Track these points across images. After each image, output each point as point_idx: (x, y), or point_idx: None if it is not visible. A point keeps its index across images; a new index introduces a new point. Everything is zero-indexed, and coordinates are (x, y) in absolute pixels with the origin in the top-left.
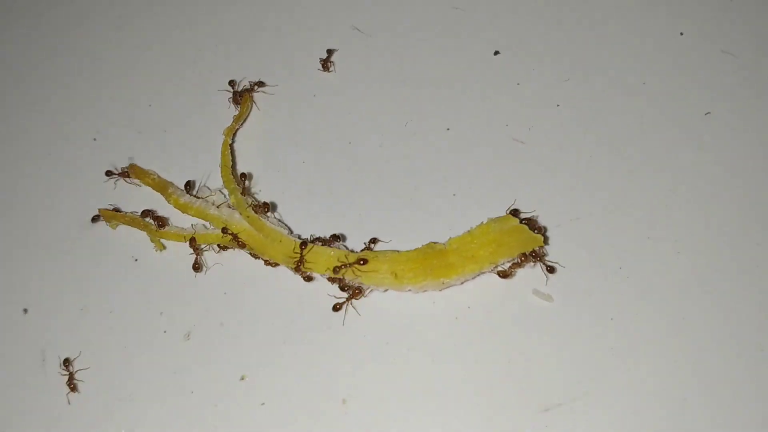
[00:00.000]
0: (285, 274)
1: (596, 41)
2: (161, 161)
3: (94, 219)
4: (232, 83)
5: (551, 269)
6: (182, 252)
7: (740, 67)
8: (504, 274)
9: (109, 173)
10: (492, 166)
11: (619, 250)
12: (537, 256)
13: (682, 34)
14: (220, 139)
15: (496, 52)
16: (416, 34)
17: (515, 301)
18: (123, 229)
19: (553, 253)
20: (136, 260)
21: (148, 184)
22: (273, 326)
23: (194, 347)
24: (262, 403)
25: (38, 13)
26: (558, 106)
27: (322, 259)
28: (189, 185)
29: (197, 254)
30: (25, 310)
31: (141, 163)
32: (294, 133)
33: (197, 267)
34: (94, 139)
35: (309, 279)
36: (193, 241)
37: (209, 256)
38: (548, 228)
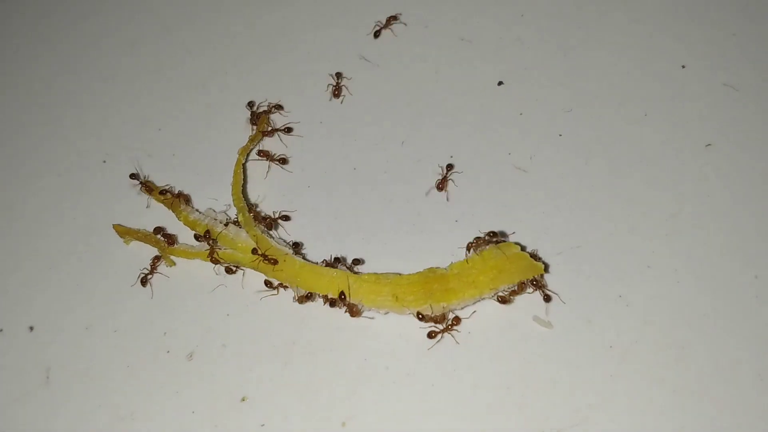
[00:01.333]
0: (283, 297)
1: (599, 73)
2: (170, 184)
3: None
4: (250, 104)
5: (548, 298)
6: (187, 273)
7: (741, 100)
8: (503, 300)
9: (134, 176)
10: (494, 194)
11: (619, 278)
12: (537, 284)
13: (684, 66)
14: (228, 163)
15: (500, 83)
16: (422, 65)
17: (515, 328)
18: (129, 248)
19: (553, 281)
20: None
21: (160, 201)
22: (274, 348)
23: (196, 367)
24: (262, 425)
25: (49, 35)
26: (560, 135)
27: (324, 280)
28: (187, 201)
29: (213, 248)
30: (31, 328)
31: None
32: (300, 158)
33: (215, 260)
34: (104, 162)
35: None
36: (207, 235)
37: (214, 279)
38: (550, 256)
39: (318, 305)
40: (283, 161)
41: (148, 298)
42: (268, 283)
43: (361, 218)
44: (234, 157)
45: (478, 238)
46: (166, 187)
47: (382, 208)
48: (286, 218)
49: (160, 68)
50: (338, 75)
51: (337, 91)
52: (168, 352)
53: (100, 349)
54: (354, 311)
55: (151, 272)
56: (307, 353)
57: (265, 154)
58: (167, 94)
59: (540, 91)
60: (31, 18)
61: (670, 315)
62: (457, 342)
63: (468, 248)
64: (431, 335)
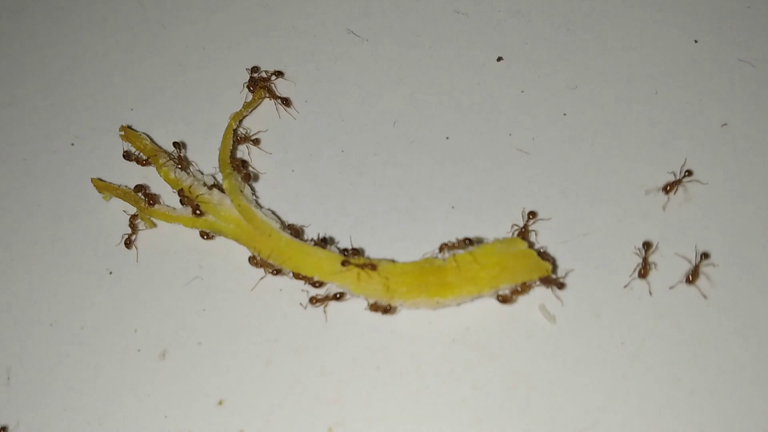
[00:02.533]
0: (268, 290)
1: (606, 48)
2: (144, 168)
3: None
4: (254, 69)
5: (561, 285)
6: (160, 266)
7: (758, 77)
8: (504, 299)
9: (126, 155)
10: (494, 178)
11: (630, 268)
12: (548, 282)
13: (696, 41)
14: (204, 144)
15: (500, 58)
16: (415, 39)
17: (517, 323)
18: (98, 238)
19: (559, 272)
20: (111, 273)
21: (139, 149)
22: (254, 346)
23: (170, 367)
24: (241, 430)
25: (13, 9)
26: (565, 115)
27: (310, 260)
28: (177, 146)
29: (188, 203)
30: None
31: (122, 170)
32: (284, 140)
33: (198, 213)
34: (72, 144)
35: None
36: (181, 192)
37: (190, 270)
38: (554, 244)
39: (302, 299)
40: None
41: (118, 292)
42: (252, 260)
43: (349, 204)
44: (210, 139)
45: (451, 243)
46: (144, 140)
47: (372, 192)
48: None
49: (134, 45)
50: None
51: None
52: (139, 350)
53: (66, 347)
54: (338, 297)
55: (134, 232)
56: (290, 352)
57: (270, 93)
58: (141, 72)
59: (542, 68)
60: None
61: (685, 308)
62: (454, 339)
63: (441, 249)
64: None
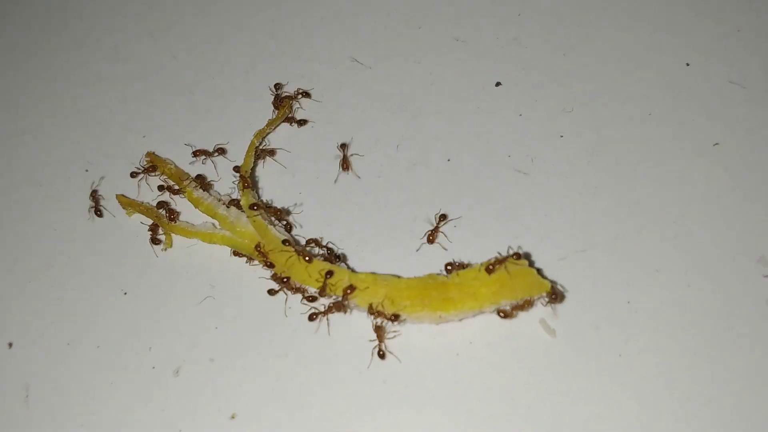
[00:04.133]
0: (278, 307)
1: (601, 72)
2: (154, 193)
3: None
4: (277, 86)
5: (561, 297)
6: (173, 286)
7: (749, 98)
8: (505, 315)
9: (134, 174)
10: (494, 198)
11: (626, 283)
12: (556, 295)
13: (688, 64)
14: (212, 173)
15: (498, 83)
16: (416, 66)
17: (519, 337)
18: (112, 260)
19: (558, 287)
20: (125, 293)
21: (165, 173)
22: (265, 362)
23: (183, 384)
24: None
25: (30, 42)
26: (561, 136)
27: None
28: (200, 178)
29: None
30: (10, 344)
31: (134, 194)
32: (290, 163)
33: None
34: (87, 171)
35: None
36: (258, 247)
37: (202, 290)
38: (553, 261)
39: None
40: (306, 94)
41: (133, 311)
42: (236, 253)
43: (353, 224)
44: (221, 165)
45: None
46: (169, 164)
47: (377, 213)
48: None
49: (145, 74)
50: (343, 146)
51: (345, 164)
52: (153, 367)
53: (82, 365)
54: (340, 306)
55: (155, 234)
56: (299, 367)
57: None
58: (152, 100)
59: (539, 91)
60: (11, 25)
61: (680, 320)
62: (457, 353)
63: (446, 269)
64: (312, 317)
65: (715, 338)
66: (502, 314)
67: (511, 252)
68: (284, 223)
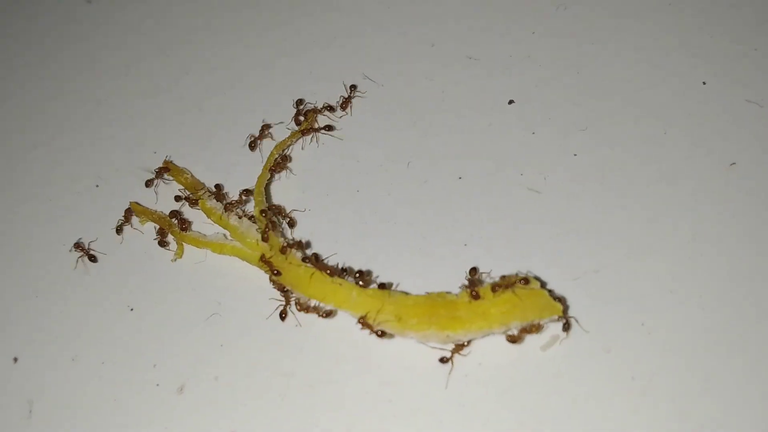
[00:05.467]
0: (284, 326)
1: (615, 90)
2: (165, 208)
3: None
4: (298, 103)
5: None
6: (179, 303)
7: (766, 117)
8: (513, 339)
9: (149, 184)
10: (506, 216)
11: (640, 304)
12: (566, 322)
13: (704, 83)
14: (225, 185)
15: (511, 101)
16: (428, 83)
17: (529, 359)
18: (119, 276)
19: (570, 308)
20: (132, 309)
21: (181, 183)
22: (270, 381)
23: (187, 401)
24: None
25: (42, 57)
26: (575, 155)
27: (327, 288)
28: (218, 187)
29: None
30: (15, 359)
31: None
32: (301, 180)
33: (283, 316)
34: (97, 186)
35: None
36: (263, 257)
37: (208, 307)
38: (565, 281)
39: (318, 336)
40: (330, 108)
41: (138, 328)
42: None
43: (363, 242)
44: (230, 179)
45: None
46: (186, 174)
47: (386, 231)
48: (291, 222)
49: (156, 90)
50: (352, 87)
51: (346, 103)
52: (157, 384)
53: (87, 381)
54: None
55: (164, 237)
56: (304, 386)
57: (310, 129)
58: (162, 116)
59: (553, 110)
60: (23, 41)
61: (694, 343)
62: (465, 375)
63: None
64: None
65: (730, 362)
66: (510, 339)
67: (520, 276)
68: (287, 219)
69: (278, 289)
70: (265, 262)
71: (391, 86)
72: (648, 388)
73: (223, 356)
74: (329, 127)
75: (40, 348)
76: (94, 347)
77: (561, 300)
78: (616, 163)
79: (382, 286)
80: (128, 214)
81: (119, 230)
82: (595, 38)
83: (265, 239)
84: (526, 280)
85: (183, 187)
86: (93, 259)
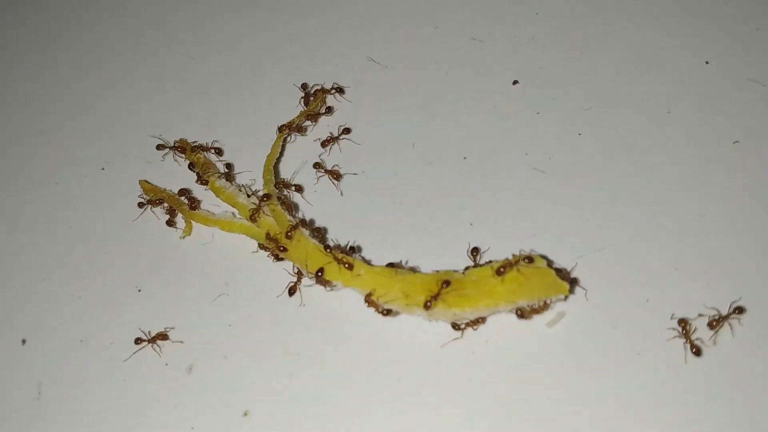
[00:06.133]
0: (291, 306)
1: (619, 70)
2: (171, 189)
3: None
4: (304, 86)
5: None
6: (187, 284)
7: None
8: (521, 314)
9: (160, 147)
10: (511, 196)
11: (645, 282)
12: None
13: (707, 62)
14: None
15: (515, 82)
16: (433, 65)
17: (535, 336)
18: (127, 258)
19: (576, 286)
20: (140, 290)
21: (193, 160)
22: (279, 360)
23: (196, 381)
24: None
25: (47, 42)
26: (579, 134)
27: (336, 265)
28: (228, 167)
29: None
30: (23, 341)
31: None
32: (306, 161)
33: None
34: (103, 169)
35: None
36: (268, 236)
37: (216, 288)
38: (571, 259)
39: (327, 316)
40: (340, 90)
41: (146, 308)
42: (261, 246)
43: (369, 222)
44: (237, 162)
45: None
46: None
47: (392, 211)
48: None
49: (162, 74)
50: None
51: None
52: (166, 364)
53: (95, 362)
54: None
55: (173, 216)
56: (313, 365)
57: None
58: (168, 100)
59: (557, 90)
60: (29, 25)
61: (699, 320)
62: (473, 351)
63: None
64: (456, 327)
65: (736, 337)
66: (519, 313)
67: (523, 255)
68: (294, 188)
69: (271, 251)
70: (270, 239)
71: (396, 68)
72: (654, 364)
73: (232, 336)
74: (329, 109)
75: (49, 330)
76: (103, 328)
77: (565, 272)
78: (621, 142)
79: (391, 264)
80: (172, 211)
81: (170, 223)
82: (598, 19)
83: (253, 220)
84: (530, 259)
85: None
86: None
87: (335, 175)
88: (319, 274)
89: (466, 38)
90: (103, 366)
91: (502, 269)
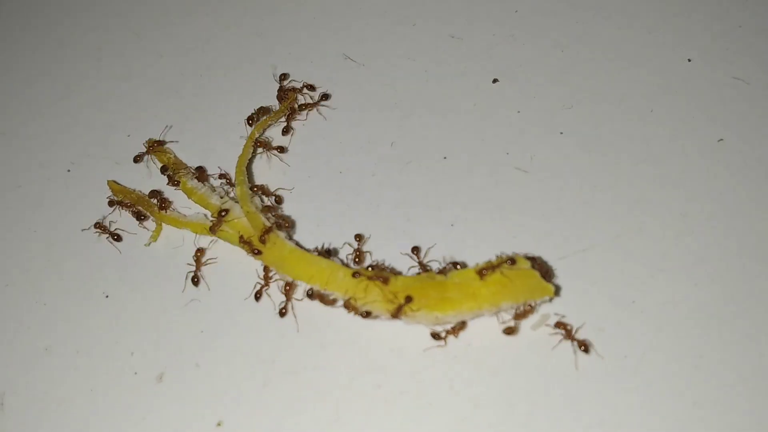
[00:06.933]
0: (265, 311)
1: (600, 68)
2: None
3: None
4: (283, 77)
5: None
6: (157, 288)
7: (752, 93)
8: (510, 331)
9: (137, 159)
10: (492, 196)
11: (630, 282)
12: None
13: (690, 60)
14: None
15: (495, 80)
16: (411, 63)
17: (518, 340)
18: (93, 263)
19: (559, 288)
20: (107, 296)
21: (163, 162)
22: (252, 367)
23: (167, 390)
24: None
25: (12, 39)
26: (561, 133)
27: (312, 269)
28: (200, 169)
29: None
30: None
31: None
32: (282, 162)
33: (196, 281)
34: (68, 171)
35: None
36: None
37: (187, 293)
38: (553, 260)
39: (300, 319)
40: (281, 150)
41: (114, 315)
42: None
43: (347, 224)
44: (207, 162)
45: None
46: (169, 153)
47: (370, 212)
48: (279, 200)
49: (130, 73)
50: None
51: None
52: (135, 373)
53: (61, 372)
54: (327, 301)
55: (139, 217)
56: (288, 372)
57: (262, 144)
58: (137, 99)
59: (537, 88)
60: None
61: (686, 321)
62: (454, 356)
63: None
64: (436, 336)
65: (722, 338)
66: (507, 331)
67: (506, 257)
68: (273, 197)
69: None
70: (244, 242)
71: (373, 66)
72: (640, 365)
73: (204, 343)
74: (325, 96)
75: (12, 338)
76: (68, 336)
77: (552, 279)
78: (603, 141)
79: (372, 267)
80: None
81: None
82: (578, 17)
83: (213, 233)
84: (512, 261)
85: (164, 166)
86: (117, 237)
87: (279, 150)
88: (310, 292)
89: (445, 36)
90: (69, 375)
91: (484, 271)
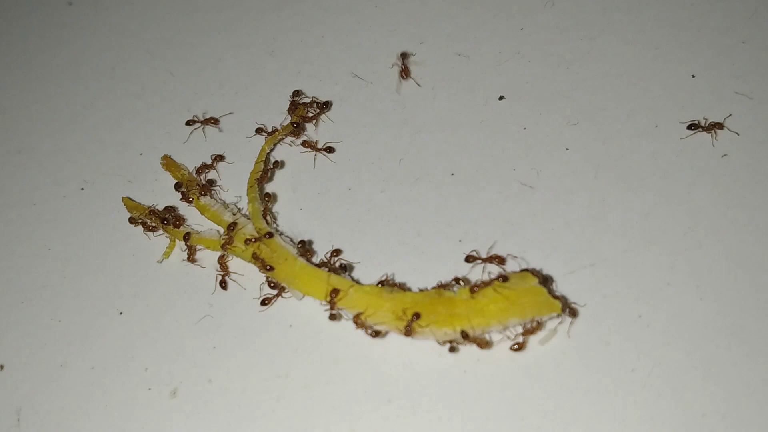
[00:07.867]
0: (278, 326)
1: (606, 85)
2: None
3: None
4: (296, 93)
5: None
6: (170, 305)
7: (756, 108)
8: (518, 347)
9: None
10: (499, 212)
11: (637, 297)
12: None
13: (694, 76)
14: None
15: (501, 97)
16: (418, 81)
17: (527, 354)
18: (108, 280)
19: (567, 302)
20: (121, 313)
21: (178, 178)
22: (265, 382)
23: (180, 405)
24: None
25: (28, 58)
26: (567, 149)
27: (323, 285)
28: (210, 183)
29: (225, 271)
30: (2, 366)
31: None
32: (292, 179)
33: (224, 285)
34: (82, 189)
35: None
36: (222, 258)
37: (200, 309)
38: (561, 275)
39: (313, 336)
40: (330, 150)
41: (129, 331)
42: (270, 284)
43: (357, 240)
44: (220, 181)
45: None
46: (183, 170)
47: (380, 229)
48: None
49: (142, 92)
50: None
51: (404, 72)
52: (149, 389)
53: (76, 387)
54: (333, 316)
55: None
56: (301, 387)
57: (309, 145)
58: (149, 117)
59: (544, 105)
60: (5, 43)
61: (693, 334)
62: (464, 371)
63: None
64: (453, 349)
65: (730, 351)
66: (516, 347)
67: (501, 274)
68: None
69: (271, 286)
70: (256, 258)
71: (381, 84)
72: (648, 379)
73: (217, 358)
74: (327, 104)
75: (28, 354)
76: (83, 352)
77: (559, 297)
78: (609, 157)
79: (381, 283)
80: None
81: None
82: (583, 33)
83: (225, 249)
84: (504, 278)
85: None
86: (215, 121)
87: (328, 150)
88: (333, 312)
89: (452, 54)
90: (84, 391)
91: (475, 288)
